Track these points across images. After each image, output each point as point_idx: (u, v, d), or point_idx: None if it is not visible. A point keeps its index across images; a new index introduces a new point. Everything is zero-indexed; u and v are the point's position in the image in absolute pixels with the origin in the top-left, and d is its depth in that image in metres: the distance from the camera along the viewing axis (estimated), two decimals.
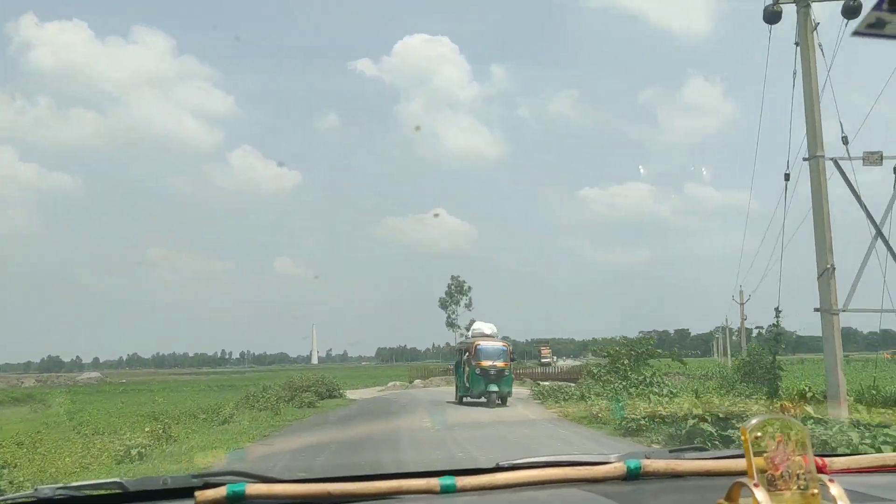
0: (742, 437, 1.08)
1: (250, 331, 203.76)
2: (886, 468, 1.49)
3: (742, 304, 43.68)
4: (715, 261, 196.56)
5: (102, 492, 1.43)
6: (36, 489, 1.38)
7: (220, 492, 1.26)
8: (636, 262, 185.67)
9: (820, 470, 1.21)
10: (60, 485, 1.40)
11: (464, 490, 1.33)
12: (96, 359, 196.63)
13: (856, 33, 1.02)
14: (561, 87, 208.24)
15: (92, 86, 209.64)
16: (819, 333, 13.02)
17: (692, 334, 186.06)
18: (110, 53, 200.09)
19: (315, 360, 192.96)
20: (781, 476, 1.08)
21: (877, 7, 0.97)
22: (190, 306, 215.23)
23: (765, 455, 1.07)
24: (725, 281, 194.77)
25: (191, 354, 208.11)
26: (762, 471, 1.06)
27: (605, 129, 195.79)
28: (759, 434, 1.08)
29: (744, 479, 1.07)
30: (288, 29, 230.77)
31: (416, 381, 40.89)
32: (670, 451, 1.63)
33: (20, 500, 1.42)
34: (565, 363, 65.34)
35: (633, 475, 1.41)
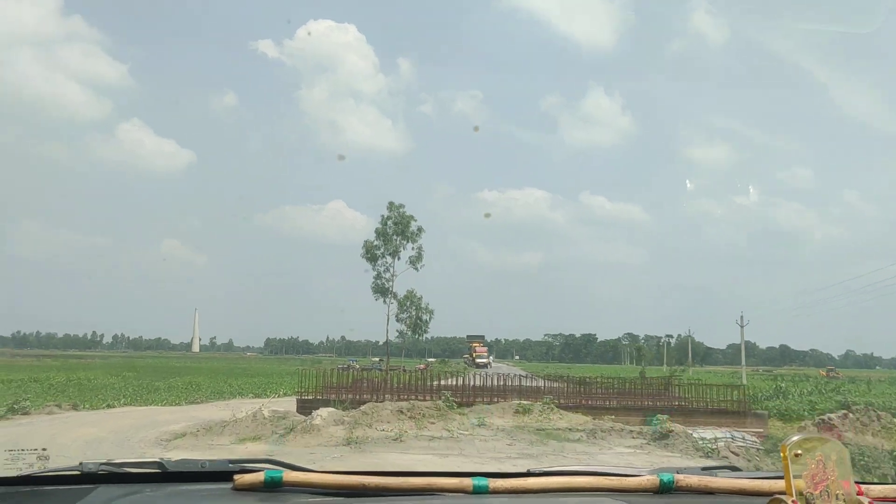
0: (782, 454, 1.08)
1: (127, 313, 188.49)
2: None
3: (742, 327, 49.97)
4: (606, 268, 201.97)
5: (144, 470, 1.48)
6: (81, 463, 1.43)
7: (258, 477, 1.31)
8: (530, 265, 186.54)
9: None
10: (104, 460, 1.47)
11: (496, 492, 1.33)
12: None
13: None
14: (466, 87, 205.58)
15: None
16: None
17: (598, 339, 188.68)
18: None
19: (196, 348, 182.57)
20: (820, 496, 1.06)
21: None
22: (61, 282, 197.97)
23: (804, 473, 1.07)
24: (618, 288, 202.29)
25: (59, 335, 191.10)
26: (800, 490, 1.06)
27: (506, 132, 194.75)
28: (799, 452, 1.08)
29: (782, 496, 1.07)
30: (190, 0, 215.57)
31: (320, 414, 15.61)
32: (703, 469, 1.59)
33: (65, 473, 1.46)
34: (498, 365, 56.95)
35: (666, 489, 1.38)
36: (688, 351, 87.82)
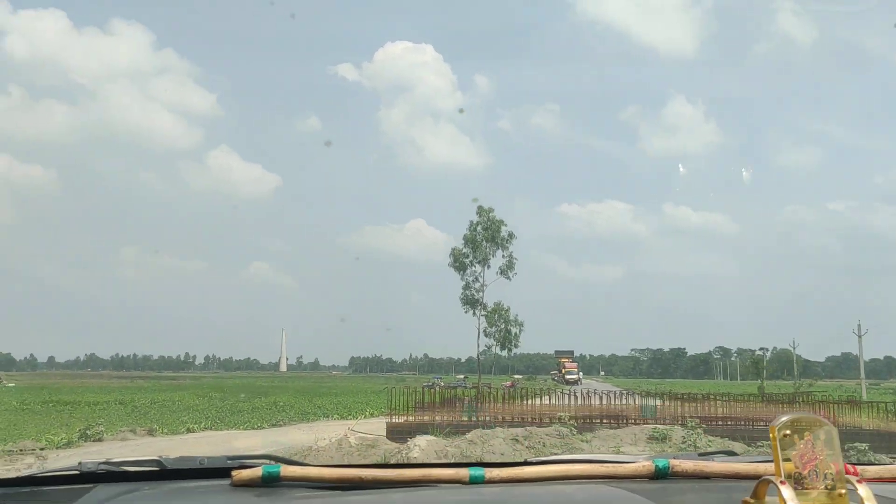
0: (770, 435, 1.08)
1: (218, 334, 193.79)
2: None
3: (860, 336, 45.81)
4: (693, 279, 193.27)
5: (142, 468, 1.45)
6: (80, 463, 1.42)
7: (256, 472, 1.29)
8: (613, 278, 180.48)
9: (850, 475, 1.17)
10: (103, 460, 1.44)
11: (492, 481, 1.32)
12: (52, 357, 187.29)
13: None
14: (543, 101, 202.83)
15: (67, 77, 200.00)
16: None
17: (688, 353, 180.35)
18: (87, 45, 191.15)
19: (284, 368, 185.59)
20: (809, 475, 1.06)
21: None
22: (156, 307, 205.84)
23: (793, 454, 1.06)
24: (707, 300, 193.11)
25: (154, 357, 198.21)
26: (789, 471, 1.06)
27: (586, 145, 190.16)
28: (787, 432, 1.07)
29: (770, 477, 1.07)
30: (271, 29, 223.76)
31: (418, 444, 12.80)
32: (699, 455, 1.56)
33: (65, 473, 1.45)
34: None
35: (662, 474, 1.37)
36: (791, 364, 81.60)
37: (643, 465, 1.37)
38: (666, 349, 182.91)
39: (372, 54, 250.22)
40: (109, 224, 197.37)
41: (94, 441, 18.99)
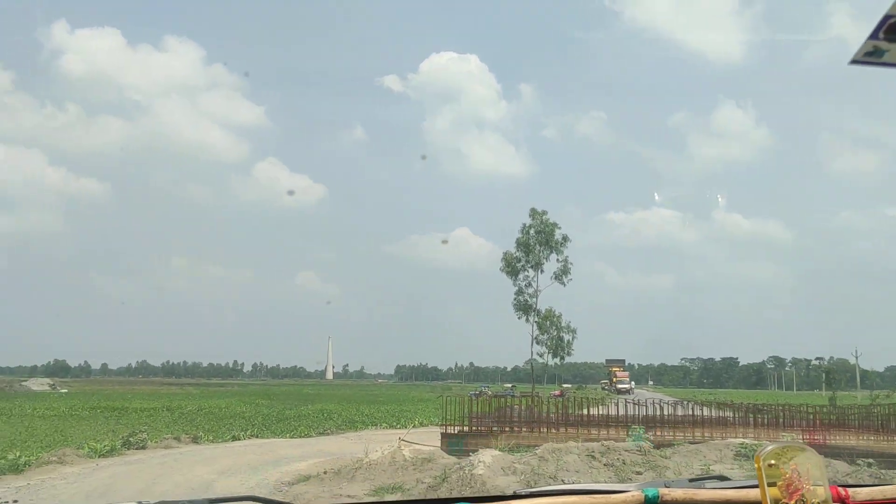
0: (756, 465, 1.08)
1: (265, 342, 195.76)
2: None
3: None
4: (745, 288, 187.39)
5: None
6: None
7: None
8: (661, 287, 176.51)
9: (840, 499, 1.21)
10: None
11: None
12: (105, 364, 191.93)
13: (853, 62, 0.99)
14: (589, 109, 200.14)
15: (121, 93, 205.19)
16: None
17: (741, 363, 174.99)
18: (140, 61, 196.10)
19: (330, 376, 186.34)
20: None
21: (873, 36, 0.96)
22: (205, 315, 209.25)
23: (779, 483, 1.06)
24: (759, 309, 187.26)
25: (204, 364, 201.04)
26: (776, 499, 1.06)
27: (632, 152, 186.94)
28: (773, 462, 1.07)
29: None
30: (317, 42, 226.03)
31: (482, 460, 11.18)
32: (690, 481, 1.58)
33: None
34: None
35: None
36: (853, 374, 78.01)
37: (633, 495, 1.36)
38: (717, 358, 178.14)
39: (417, 65, 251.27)
40: (160, 235, 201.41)
41: (136, 449, 18.31)
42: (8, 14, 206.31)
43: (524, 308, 32.38)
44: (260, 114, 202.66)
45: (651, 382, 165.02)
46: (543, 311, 34.32)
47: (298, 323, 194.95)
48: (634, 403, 20.38)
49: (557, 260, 31.79)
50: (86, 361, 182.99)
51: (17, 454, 15.80)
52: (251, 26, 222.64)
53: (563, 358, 37.84)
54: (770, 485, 1.06)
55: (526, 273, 32.10)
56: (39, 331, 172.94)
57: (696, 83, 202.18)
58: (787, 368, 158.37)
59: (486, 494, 1.43)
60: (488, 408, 20.95)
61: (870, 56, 1.01)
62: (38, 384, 73.54)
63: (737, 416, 20.94)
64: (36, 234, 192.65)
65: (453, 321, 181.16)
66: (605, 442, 12.15)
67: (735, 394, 75.48)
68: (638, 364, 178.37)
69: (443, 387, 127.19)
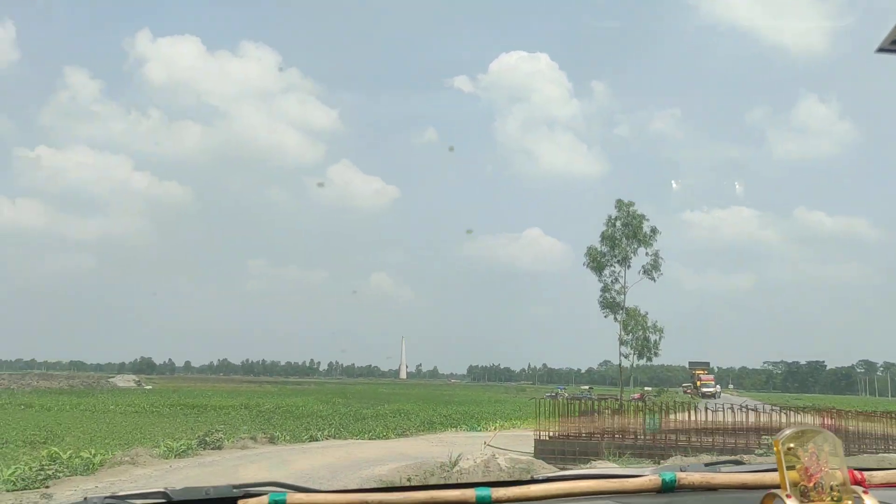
0: (775, 448, 1.09)
1: (341, 342, 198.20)
2: None
3: None
4: (830, 288, 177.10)
5: (148, 501, 1.44)
6: (85, 498, 1.39)
7: (263, 500, 1.29)
8: (741, 288, 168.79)
9: (857, 483, 1.19)
10: (108, 494, 1.43)
11: (499, 501, 1.32)
12: (188, 362, 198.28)
13: (880, 50, 0.98)
14: (663, 105, 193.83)
15: (199, 99, 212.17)
16: None
17: (828, 367, 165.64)
18: (218, 68, 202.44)
19: (403, 375, 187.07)
20: (814, 487, 1.07)
21: None
22: (283, 315, 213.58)
23: (798, 466, 1.07)
24: (847, 310, 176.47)
25: (281, 363, 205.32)
26: (795, 482, 1.06)
27: (709, 149, 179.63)
28: (791, 445, 1.08)
29: (776, 491, 1.08)
30: (388, 44, 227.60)
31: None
32: (706, 465, 1.56)
33: None
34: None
35: (669, 488, 1.37)
36: None
37: (650, 478, 1.35)
38: (802, 362, 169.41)
39: (487, 65, 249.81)
40: (238, 237, 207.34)
41: (212, 449, 17.62)
42: (96, 26, 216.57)
43: (610, 305, 30.50)
44: (334, 117, 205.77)
45: (731, 386, 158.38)
46: (626, 312, 32.38)
47: (372, 323, 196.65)
48: (741, 408, 18.42)
49: (647, 254, 29.77)
50: (170, 359, 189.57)
51: (93, 452, 15.30)
52: (324, 31, 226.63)
53: (649, 359, 35.69)
54: (789, 468, 1.06)
55: (612, 268, 30.19)
56: (127, 329, 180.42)
57: (776, 77, 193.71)
58: (878, 373, 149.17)
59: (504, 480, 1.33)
60: (575, 412, 19.32)
61: None
62: (124, 380, 75.79)
63: (857, 425, 18.63)
64: (123, 236, 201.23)
65: (526, 322, 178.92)
66: (741, 455, 10.45)
67: (825, 399, 70.96)
68: (718, 367, 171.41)
69: (517, 388, 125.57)
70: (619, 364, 31.75)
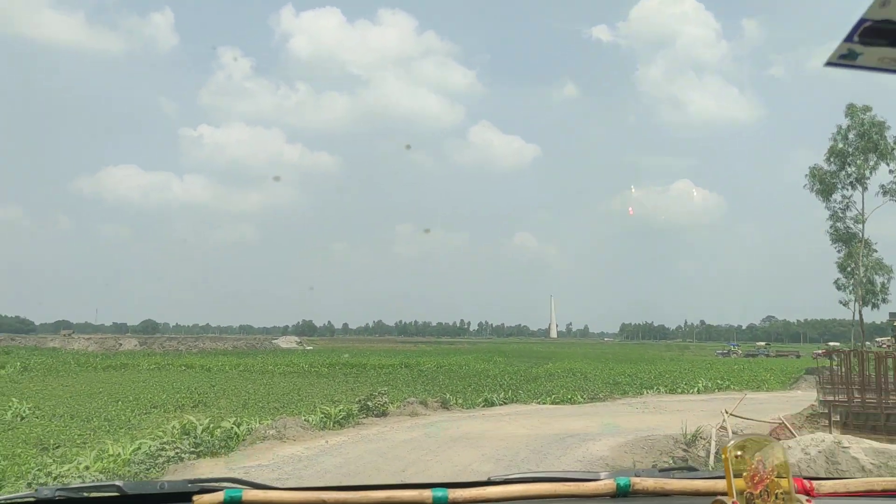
0: (723, 456, 1.10)
1: (489, 302, 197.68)
2: (873, 493, 1.42)
3: None
4: None
5: (101, 494, 1.44)
6: (36, 489, 1.40)
7: (218, 497, 1.29)
8: None
9: (806, 492, 1.23)
10: (59, 486, 1.42)
11: (455, 502, 1.33)
12: (346, 324, 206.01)
13: (828, 64, 1.01)
14: (824, 40, 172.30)
15: (344, 70, 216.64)
16: None
17: None
18: (359, 37, 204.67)
19: (554, 334, 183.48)
20: (760, 495, 1.09)
21: (848, 39, 0.97)
22: (432, 277, 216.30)
23: (745, 474, 1.09)
24: None
25: (433, 324, 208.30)
26: (741, 490, 1.09)
27: (880, 84, 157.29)
28: (738, 453, 1.10)
29: (723, 498, 1.11)
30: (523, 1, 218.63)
31: None
32: (660, 471, 1.58)
33: (19, 500, 1.42)
34: None
35: (623, 493, 1.39)
36: None
37: (605, 483, 1.37)
38: None
39: (627, 12, 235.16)
40: (386, 203, 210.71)
41: (376, 416, 14.56)
42: (244, 5, 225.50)
43: (843, 238, 24.54)
44: (472, 78, 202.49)
45: None
46: (847, 248, 26.11)
47: (520, 283, 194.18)
48: None
49: (890, 171, 23.47)
50: (329, 321, 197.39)
51: (237, 420, 12.61)
52: None
53: (875, 306, 28.99)
54: (736, 475, 1.08)
55: (844, 191, 24.16)
56: (290, 294, 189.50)
57: None
58: None
59: (461, 481, 1.39)
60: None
61: (844, 58, 0.98)
62: (287, 342, 77.62)
63: None
64: (280, 207, 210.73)
65: (680, 277, 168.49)
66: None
67: None
68: None
69: (678, 346, 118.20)
70: (859, 311, 25.69)
